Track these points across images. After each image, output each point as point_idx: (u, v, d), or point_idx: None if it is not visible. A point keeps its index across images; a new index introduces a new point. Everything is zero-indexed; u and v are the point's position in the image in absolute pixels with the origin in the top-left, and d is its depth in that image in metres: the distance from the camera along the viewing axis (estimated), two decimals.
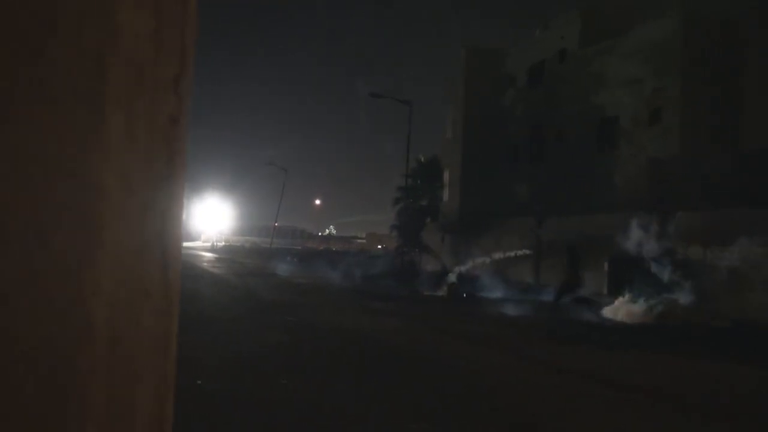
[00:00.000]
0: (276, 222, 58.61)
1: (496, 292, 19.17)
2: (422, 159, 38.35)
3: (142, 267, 0.64)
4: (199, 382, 6.99)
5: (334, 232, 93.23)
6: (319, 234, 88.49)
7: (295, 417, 5.98)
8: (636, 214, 18.68)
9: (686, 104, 23.15)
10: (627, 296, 15.51)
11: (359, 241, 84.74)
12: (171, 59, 0.66)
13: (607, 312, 15.44)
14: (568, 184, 27.23)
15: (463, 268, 20.08)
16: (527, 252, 21.08)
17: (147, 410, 0.65)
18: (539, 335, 12.17)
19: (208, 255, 46.08)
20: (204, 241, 71.94)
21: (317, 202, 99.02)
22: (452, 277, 19.00)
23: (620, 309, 15.10)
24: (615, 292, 16.99)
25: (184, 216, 0.72)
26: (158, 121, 0.65)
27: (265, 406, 6.23)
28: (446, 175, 35.46)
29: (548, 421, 6.18)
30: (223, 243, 67.17)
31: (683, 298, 14.78)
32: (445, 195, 35.61)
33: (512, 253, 21.44)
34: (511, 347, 10.73)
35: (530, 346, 10.94)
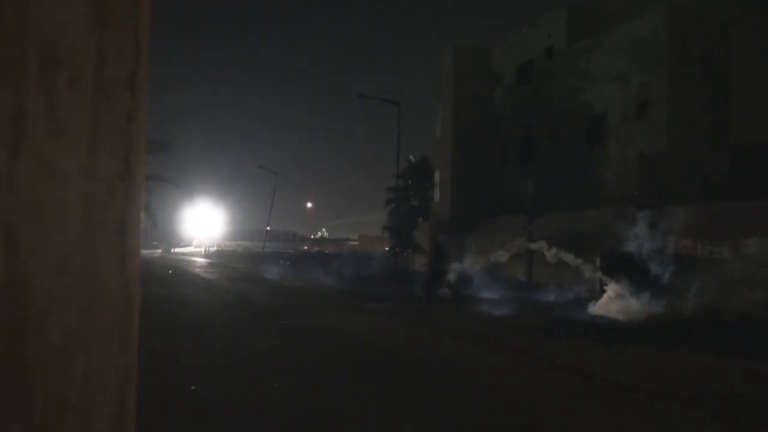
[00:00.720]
0: (268, 226, 58.55)
1: (490, 292, 19.17)
2: (413, 159, 38.40)
3: (100, 264, 0.64)
4: (193, 387, 6.97)
5: (326, 234, 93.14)
6: (312, 237, 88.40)
7: (288, 419, 5.97)
8: (627, 209, 18.76)
9: (673, 99, 23.27)
10: (613, 291, 15.52)
11: (352, 243, 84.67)
12: (125, 55, 0.67)
13: (598, 309, 15.46)
14: (559, 181, 27.31)
15: (459, 267, 19.98)
16: (532, 245, 20.53)
17: (108, 406, 0.65)
18: (539, 335, 12.14)
19: (201, 260, 45.96)
20: (196, 246, 71.74)
21: (309, 205, 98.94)
22: (451, 277, 18.89)
23: (611, 305, 15.11)
24: (602, 289, 17.05)
25: (144, 215, 0.72)
26: (114, 117, 0.66)
27: (257, 409, 6.22)
28: (437, 175, 35.50)
29: (548, 420, 6.19)
30: (215, 248, 66.97)
31: (677, 293, 14.82)
32: (437, 195, 35.64)
33: (521, 247, 20.89)
34: (509, 347, 10.75)
35: (530, 345, 10.95)
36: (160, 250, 61.52)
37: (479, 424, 6.00)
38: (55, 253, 0.60)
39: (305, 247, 65.47)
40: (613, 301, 15.34)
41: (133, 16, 0.68)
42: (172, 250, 66.16)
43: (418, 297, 17.26)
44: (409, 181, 36.61)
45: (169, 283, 22.65)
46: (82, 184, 0.64)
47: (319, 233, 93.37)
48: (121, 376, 0.68)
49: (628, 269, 15.74)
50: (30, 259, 0.58)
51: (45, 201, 0.59)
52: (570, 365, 8.93)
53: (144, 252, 28.23)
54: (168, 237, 66.11)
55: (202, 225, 75.16)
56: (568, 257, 18.22)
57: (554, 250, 17.90)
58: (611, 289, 15.82)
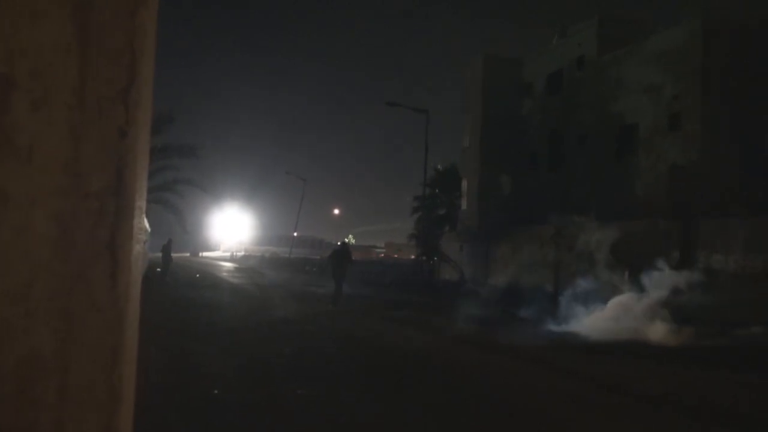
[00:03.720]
0: (295, 232, 58.81)
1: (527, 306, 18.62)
2: (440, 168, 38.31)
3: (88, 279, 0.64)
4: (216, 391, 7.01)
5: (353, 241, 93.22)
6: (338, 243, 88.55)
7: (311, 426, 5.97)
8: (657, 221, 18.48)
9: (706, 111, 22.88)
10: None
11: (378, 250, 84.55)
12: (119, 71, 0.66)
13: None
14: (588, 191, 27.01)
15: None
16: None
17: (91, 424, 0.64)
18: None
19: (228, 265, 46.35)
20: (224, 251, 72.36)
21: (336, 211, 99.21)
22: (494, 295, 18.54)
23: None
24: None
25: (145, 226, 0.72)
26: (102, 134, 0.65)
27: (280, 415, 6.22)
28: (464, 184, 35.36)
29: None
30: (243, 253, 67.49)
31: (706, 306, 14.49)
32: (464, 204, 35.49)
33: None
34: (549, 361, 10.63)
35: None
36: (188, 254, 62.20)
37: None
38: (14, 281, 0.59)
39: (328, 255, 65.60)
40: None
41: (128, 30, 0.68)
42: (200, 254, 66.84)
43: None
44: (437, 190, 36.52)
45: (197, 287, 22.88)
46: (55, 204, 0.63)
47: (346, 240, 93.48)
48: (108, 392, 0.68)
49: (656, 281, 15.43)
50: None
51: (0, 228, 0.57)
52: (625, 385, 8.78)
53: (174, 255, 28.58)
54: (196, 241, 66.82)
55: (230, 229, 75.87)
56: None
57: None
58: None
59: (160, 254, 25.57)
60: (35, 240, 0.62)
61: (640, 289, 16.06)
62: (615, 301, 14.97)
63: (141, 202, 0.73)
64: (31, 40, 0.60)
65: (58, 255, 0.63)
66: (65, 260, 0.64)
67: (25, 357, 0.61)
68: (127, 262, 0.70)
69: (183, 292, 18.60)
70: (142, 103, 0.70)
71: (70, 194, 0.64)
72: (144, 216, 0.78)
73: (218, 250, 74.83)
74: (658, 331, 13.13)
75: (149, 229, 19.14)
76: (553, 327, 14.13)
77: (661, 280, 15.29)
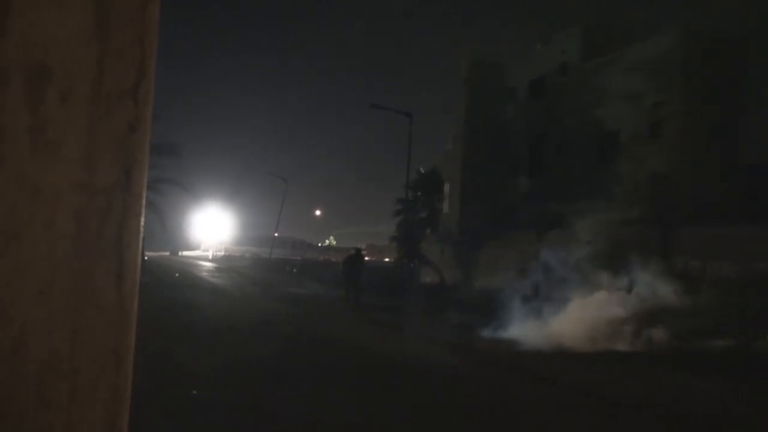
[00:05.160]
0: (276, 232, 58.57)
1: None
2: (422, 171, 38.36)
3: (93, 282, 0.62)
4: (194, 391, 6.95)
5: (334, 242, 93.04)
6: (319, 244, 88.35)
7: (292, 426, 5.94)
8: (636, 228, 18.65)
9: (685, 119, 23.18)
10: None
11: (351, 252, 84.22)
12: (129, 65, 0.65)
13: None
14: (569, 197, 27.19)
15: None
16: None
17: (97, 427, 0.63)
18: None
19: (208, 264, 46.05)
20: (203, 251, 71.90)
21: (317, 212, 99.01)
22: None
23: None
24: None
25: (143, 224, 0.70)
26: (115, 130, 0.64)
27: (261, 415, 6.19)
28: (447, 187, 35.44)
29: None
30: (223, 253, 67.07)
31: (682, 312, 14.63)
32: (446, 207, 35.57)
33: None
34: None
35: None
36: (167, 252, 61.72)
37: None
38: (38, 277, 0.58)
39: (314, 256, 65.38)
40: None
41: (140, 25, 0.67)
42: (180, 254, 66.34)
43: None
44: (419, 193, 36.56)
45: (177, 286, 22.70)
46: (75, 199, 0.62)
47: (327, 241, 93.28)
48: (112, 394, 0.66)
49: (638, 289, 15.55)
50: (4, 289, 0.56)
51: (27, 222, 0.56)
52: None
53: (152, 254, 28.31)
54: (176, 240, 66.30)
55: (211, 229, 75.39)
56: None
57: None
58: None
59: None
60: (58, 237, 0.61)
61: (618, 294, 16.19)
62: (580, 304, 15.01)
63: (144, 201, 0.72)
64: (62, 29, 0.59)
65: (76, 253, 0.62)
66: (80, 258, 0.62)
67: (46, 360, 0.60)
68: (134, 261, 0.69)
69: (162, 292, 18.43)
70: (148, 99, 0.69)
71: (85, 190, 0.63)
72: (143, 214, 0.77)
73: (198, 249, 74.30)
74: (613, 337, 13.12)
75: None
76: (501, 332, 13.87)
77: (639, 286, 15.44)
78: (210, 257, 60.98)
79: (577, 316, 14.20)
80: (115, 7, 0.63)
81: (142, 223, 0.72)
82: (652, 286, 15.06)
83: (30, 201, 0.57)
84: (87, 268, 0.63)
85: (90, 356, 0.64)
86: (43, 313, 0.60)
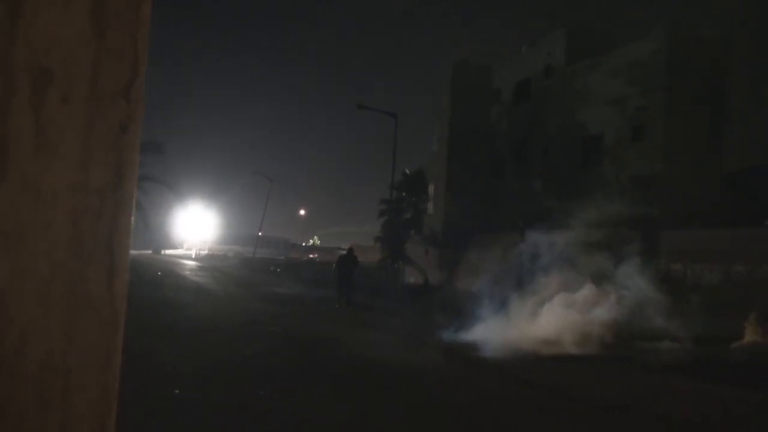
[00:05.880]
0: (260, 231, 58.32)
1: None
2: (408, 172, 38.40)
3: (86, 282, 0.62)
4: (177, 391, 6.91)
5: (318, 242, 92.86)
6: (303, 244, 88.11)
7: (273, 426, 5.93)
8: (619, 230, 18.79)
9: (669, 123, 23.39)
10: None
11: (342, 251, 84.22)
12: (123, 66, 0.65)
13: None
14: (553, 199, 27.35)
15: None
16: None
17: (88, 423, 0.63)
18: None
19: (191, 263, 45.76)
20: (187, 249, 71.42)
21: (302, 212, 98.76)
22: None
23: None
24: None
25: (134, 222, 0.70)
26: (107, 129, 0.64)
27: (243, 415, 6.17)
28: (431, 188, 35.51)
29: None
30: (206, 252, 66.68)
31: (664, 317, 14.73)
32: (430, 208, 35.63)
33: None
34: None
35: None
36: (150, 251, 61.26)
37: None
38: (38, 277, 0.58)
39: (298, 256, 65.24)
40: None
41: (132, 26, 0.67)
42: (162, 252, 65.85)
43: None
44: (404, 194, 36.61)
45: (160, 285, 22.54)
46: (72, 200, 0.62)
47: (311, 241, 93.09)
48: (101, 393, 0.66)
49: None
50: (6, 290, 0.56)
51: (30, 224, 0.56)
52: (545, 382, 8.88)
53: (134, 252, 28.08)
54: (158, 238, 65.81)
55: (194, 228, 74.86)
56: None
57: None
58: None
59: None
60: (56, 238, 0.61)
61: (600, 295, 16.30)
62: (557, 304, 15.08)
63: (134, 200, 0.72)
64: (62, 31, 0.58)
65: (72, 253, 0.62)
66: (76, 258, 0.62)
67: (44, 360, 0.60)
68: (124, 261, 0.69)
69: (145, 291, 18.29)
70: (140, 98, 0.69)
71: (80, 190, 0.63)
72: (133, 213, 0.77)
73: (181, 248, 73.76)
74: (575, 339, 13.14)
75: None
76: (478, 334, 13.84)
77: (620, 287, 15.55)
78: (193, 256, 60.59)
79: (552, 318, 14.29)
80: (110, 8, 0.63)
81: (132, 223, 0.72)
82: (632, 288, 15.18)
83: (32, 202, 0.57)
84: (81, 268, 0.63)
85: (82, 355, 0.64)
86: (42, 314, 0.60)
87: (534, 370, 9.96)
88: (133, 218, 0.72)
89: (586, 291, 15.76)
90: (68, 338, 0.62)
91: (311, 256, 64.50)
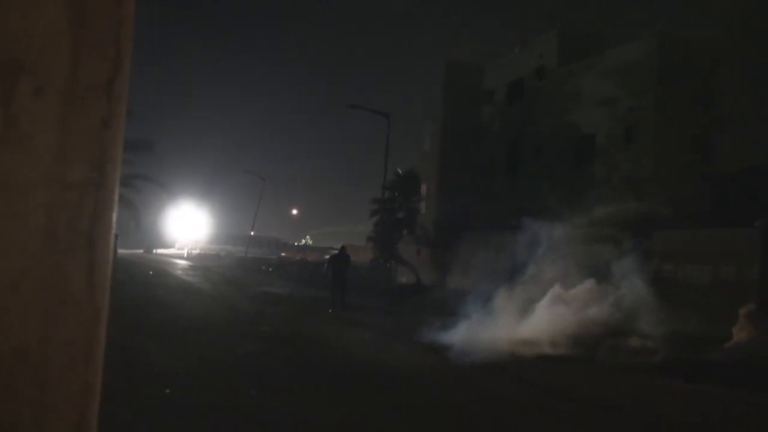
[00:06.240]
0: (252, 231, 58.22)
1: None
2: (400, 171, 38.42)
3: (65, 276, 0.62)
4: (167, 390, 6.89)
5: (310, 242, 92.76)
6: (296, 244, 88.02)
7: (264, 427, 5.92)
8: (610, 231, 18.85)
9: (660, 125, 23.51)
10: None
11: (334, 251, 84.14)
12: (104, 61, 0.65)
13: None
14: (545, 199, 27.43)
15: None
16: None
17: (67, 418, 0.63)
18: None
19: (182, 263, 45.62)
20: (178, 248, 71.20)
21: (294, 211, 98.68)
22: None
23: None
24: None
25: (116, 219, 0.71)
26: (88, 124, 0.64)
27: (232, 415, 6.15)
28: (424, 188, 35.54)
29: None
30: (198, 251, 66.50)
31: (658, 319, 14.75)
32: (423, 208, 35.66)
33: None
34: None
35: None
36: (141, 250, 61.05)
37: None
38: (10, 269, 0.58)
39: (290, 255, 65.14)
40: None
41: (115, 21, 0.67)
42: (154, 251, 65.63)
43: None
44: (396, 193, 36.61)
45: (151, 285, 22.46)
46: (47, 194, 0.62)
47: (303, 240, 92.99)
48: (82, 388, 0.66)
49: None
50: None
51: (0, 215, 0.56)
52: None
53: (125, 252, 27.97)
54: (150, 238, 65.61)
55: (186, 227, 74.68)
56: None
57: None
58: None
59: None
60: (30, 229, 0.61)
61: (594, 294, 16.34)
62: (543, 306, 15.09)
63: (116, 196, 0.72)
64: (34, 24, 0.58)
65: (47, 246, 0.62)
66: (51, 251, 0.62)
67: (15, 350, 0.60)
68: (105, 257, 0.69)
69: (136, 290, 18.23)
70: (123, 94, 0.70)
71: (56, 184, 0.63)
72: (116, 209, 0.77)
73: (173, 247, 73.53)
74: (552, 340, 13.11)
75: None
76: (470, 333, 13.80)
77: (613, 287, 15.60)
78: (185, 255, 60.40)
79: (544, 318, 14.31)
80: (90, 2, 0.63)
81: (114, 219, 0.72)
82: (624, 288, 15.23)
83: (2, 194, 0.57)
84: (58, 262, 0.63)
85: (60, 349, 0.64)
86: (15, 305, 0.60)
87: (530, 371, 9.99)
88: (115, 215, 0.72)
89: (583, 288, 15.79)
90: (45, 331, 0.62)
91: (302, 256, 64.39)
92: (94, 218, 0.67)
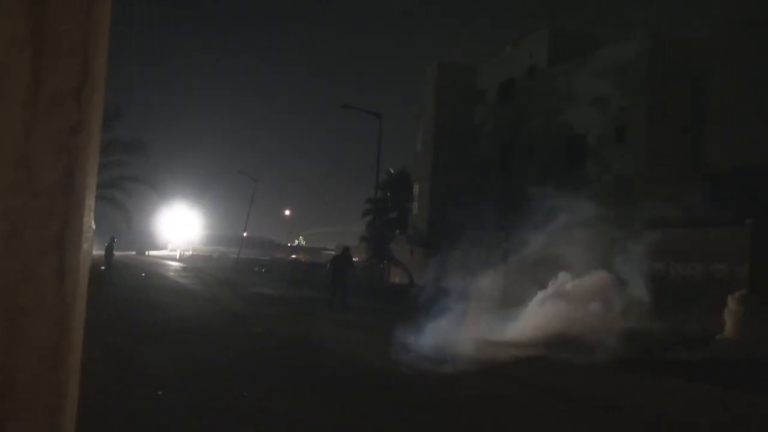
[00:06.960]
0: (245, 232, 58.13)
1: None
2: (392, 172, 38.44)
3: (35, 275, 0.63)
4: (160, 392, 6.87)
5: (303, 242, 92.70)
6: (289, 245, 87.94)
7: (257, 429, 5.91)
8: (603, 230, 18.91)
9: (652, 124, 23.60)
10: None
11: (328, 252, 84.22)
12: (71, 69, 0.66)
13: None
14: (537, 199, 27.45)
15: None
16: None
17: (35, 423, 0.64)
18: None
19: (175, 264, 45.53)
20: (171, 250, 71.07)
21: (287, 212, 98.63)
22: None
23: None
24: None
25: (92, 224, 0.71)
26: (56, 131, 0.65)
27: (225, 417, 6.15)
28: (416, 188, 35.57)
29: None
30: (191, 252, 66.38)
31: (651, 316, 14.80)
32: (415, 208, 35.70)
33: None
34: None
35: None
36: (134, 252, 60.89)
37: None
38: None
39: (283, 256, 65.10)
40: None
41: (82, 29, 0.67)
42: (147, 253, 65.46)
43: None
44: (388, 194, 36.62)
45: (143, 287, 22.40)
46: (9, 199, 0.63)
47: (296, 241, 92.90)
48: (51, 391, 0.67)
49: None
50: None
51: None
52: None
53: (117, 254, 27.91)
54: (142, 239, 65.47)
55: (178, 228, 74.57)
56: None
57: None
58: None
59: (103, 253, 24.89)
60: (19, 227, 0.61)
61: (592, 292, 16.37)
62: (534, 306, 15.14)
63: (91, 201, 0.72)
64: None
65: (13, 252, 0.62)
66: (18, 257, 0.63)
67: None
68: (76, 261, 0.69)
69: (129, 293, 18.19)
70: (94, 100, 0.70)
71: (21, 191, 0.64)
72: (92, 214, 0.78)
73: (166, 249, 73.38)
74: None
75: (94, 227, 18.63)
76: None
77: (602, 287, 15.65)
78: (177, 257, 60.26)
79: (539, 317, 14.34)
80: (52, 12, 0.64)
81: (88, 224, 0.72)
82: (618, 287, 15.29)
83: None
84: (26, 267, 0.64)
85: (28, 353, 0.64)
86: None
87: (530, 371, 10.00)
88: (90, 219, 0.73)
89: (579, 285, 15.83)
90: (10, 335, 0.63)
91: (294, 256, 64.34)
92: (65, 223, 0.68)
